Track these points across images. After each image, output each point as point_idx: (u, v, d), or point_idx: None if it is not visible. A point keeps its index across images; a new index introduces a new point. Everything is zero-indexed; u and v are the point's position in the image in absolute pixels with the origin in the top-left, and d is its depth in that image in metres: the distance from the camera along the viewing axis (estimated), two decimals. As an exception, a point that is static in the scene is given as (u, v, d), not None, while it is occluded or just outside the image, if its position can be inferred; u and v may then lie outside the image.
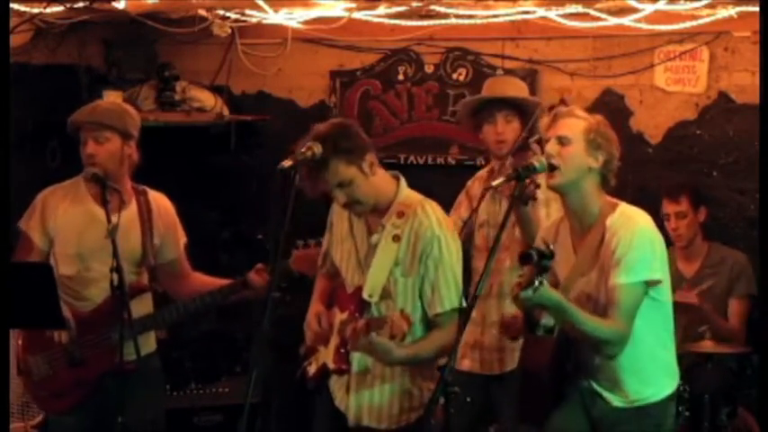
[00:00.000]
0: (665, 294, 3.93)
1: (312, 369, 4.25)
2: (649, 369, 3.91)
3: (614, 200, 3.94)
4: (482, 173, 5.11)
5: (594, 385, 3.93)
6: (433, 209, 4.09)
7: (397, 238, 4.03)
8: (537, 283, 3.54)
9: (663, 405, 3.95)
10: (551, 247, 3.59)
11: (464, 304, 4.01)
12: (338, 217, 4.22)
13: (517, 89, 5.05)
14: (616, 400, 3.92)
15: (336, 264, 4.24)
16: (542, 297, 3.61)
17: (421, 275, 4.02)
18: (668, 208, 5.71)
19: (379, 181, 4.05)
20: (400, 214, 4.05)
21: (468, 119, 5.04)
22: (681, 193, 5.72)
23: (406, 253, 4.03)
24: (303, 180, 3.88)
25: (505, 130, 4.84)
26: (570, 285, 3.85)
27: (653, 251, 3.84)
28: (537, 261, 3.53)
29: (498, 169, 4.84)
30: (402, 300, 4.04)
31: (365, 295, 4.05)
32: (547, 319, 3.88)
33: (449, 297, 4.01)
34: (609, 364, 3.87)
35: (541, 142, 4.05)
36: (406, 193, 4.11)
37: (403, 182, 4.14)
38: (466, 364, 4.87)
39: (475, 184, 5.07)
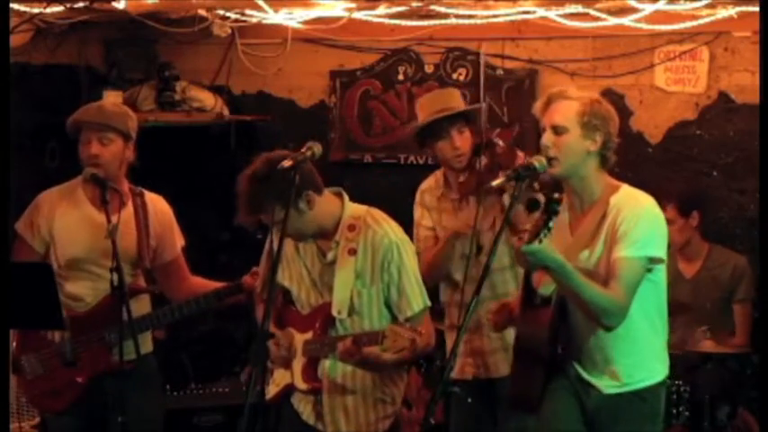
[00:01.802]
0: (663, 278, 3.90)
1: (270, 391, 4.26)
2: (641, 352, 3.87)
3: (617, 182, 3.91)
4: (428, 184, 5.00)
5: (584, 373, 3.89)
6: (382, 217, 4.16)
7: (352, 252, 4.07)
8: (543, 233, 3.47)
9: (655, 390, 3.91)
10: (561, 191, 3.53)
11: (428, 302, 4.13)
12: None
13: (458, 99, 4.97)
14: (609, 387, 3.87)
15: (286, 286, 4.24)
16: (545, 253, 3.57)
17: (386, 283, 4.08)
18: None
19: (318, 212, 4.05)
20: (351, 228, 4.09)
21: (415, 140, 4.95)
22: (668, 202, 5.69)
23: (364, 264, 4.07)
24: (243, 216, 4.00)
25: (462, 142, 4.78)
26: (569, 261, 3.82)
27: (657, 229, 3.83)
28: (545, 206, 3.45)
29: (462, 178, 4.79)
30: (367, 310, 4.10)
31: (334, 312, 4.07)
32: (544, 288, 3.86)
33: (416, 298, 4.10)
34: (601, 344, 3.84)
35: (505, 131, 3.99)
36: (352, 208, 4.14)
37: (346, 197, 4.16)
38: (469, 371, 4.86)
39: (425, 197, 4.98)
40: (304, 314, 4.20)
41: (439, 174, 4.98)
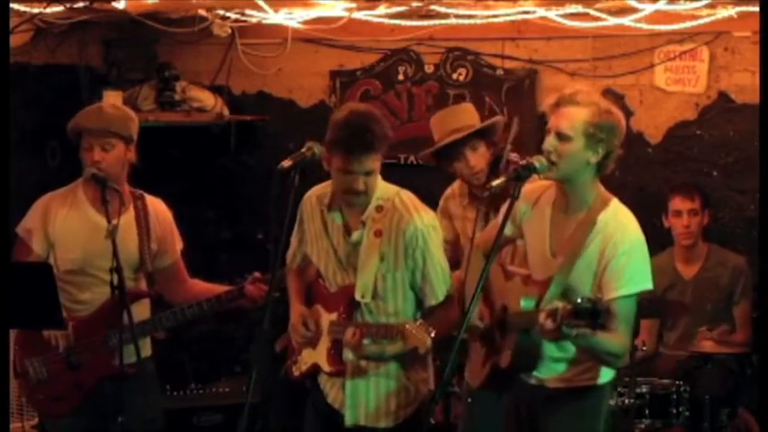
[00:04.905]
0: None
1: (297, 370, 4.27)
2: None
3: (607, 193, 3.88)
4: (453, 191, 5.01)
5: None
6: (410, 199, 4.10)
7: (378, 233, 4.03)
8: (584, 330, 3.45)
9: (598, 391, 3.91)
10: (604, 302, 3.48)
11: (452, 291, 4.09)
12: (309, 215, 4.20)
13: (471, 114, 4.93)
14: (549, 382, 3.89)
15: (314, 262, 4.24)
16: (579, 341, 3.60)
17: (411, 269, 4.05)
18: (682, 204, 5.72)
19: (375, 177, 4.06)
20: (379, 209, 4.06)
21: (432, 162, 4.94)
22: (695, 191, 5.76)
23: (389, 247, 4.03)
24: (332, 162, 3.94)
25: (477, 160, 4.75)
26: (563, 279, 3.81)
27: (645, 258, 3.81)
28: (590, 317, 3.41)
29: (486, 195, 4.74)
30: (392, 295, 4.07)
31: (358, 296, 4.05)
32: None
33: (441, 287, 4.07)
34: (552, 346, 3.84)
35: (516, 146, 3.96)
36: (383, 187, 4.10)
37: (379, 176, 4.11)
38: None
39: (449, 204, 4.98)
40: (332, 291, 4.17)
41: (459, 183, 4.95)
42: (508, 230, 3.97)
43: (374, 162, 3.96)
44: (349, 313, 4.09)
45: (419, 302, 4.10)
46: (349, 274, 4.10)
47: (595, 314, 3.40)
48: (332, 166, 4.00)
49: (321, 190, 4.18)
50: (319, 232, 4.17)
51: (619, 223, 3.80)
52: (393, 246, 4.03)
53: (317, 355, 4.18)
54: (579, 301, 3.43)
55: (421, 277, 4.05)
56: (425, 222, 4.05)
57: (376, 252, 4.03)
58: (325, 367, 4.15)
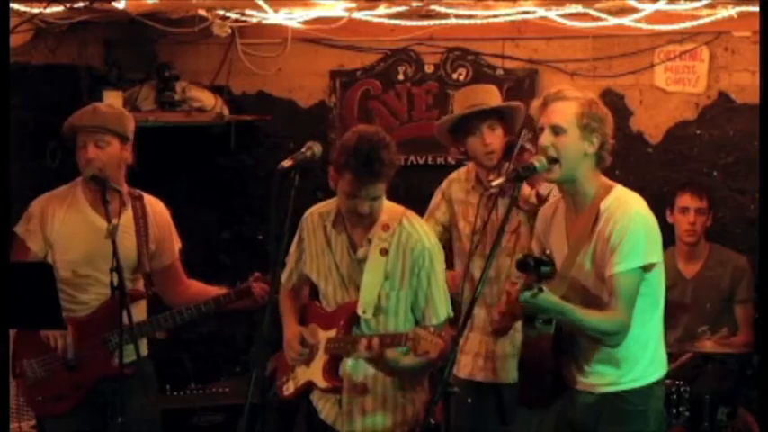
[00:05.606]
0: (657, 277, 3.89)
1: (290, 388, 4.26)
2: (632, 354, 3.86)
3: (609, 182, 3.91)
4: (458, 175, 4.99)
5: (576, 375, 3.91)
6: (417, 221, 4.15)
7: (384, 252, 4.05)
8: (536, 289, 3.53)
9: (645, 392, 3.90)
10: (548, 252, 3.56)
11: (452, 312, 4.12)
12: (311, 231, 4.20)
13: (495, 96, 4.92)
14: (595, 387, 3.90)
15: (314, 280, 4.24)
16: (541, 302, 3.60)
17: (414, 288, 4.07)
18: (690, 201, 5.73)
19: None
20: (385, 227, 4.07)
21: (446, 135, 4.92)
22: (703, 191, 5.76)
23: (395, 266, 4.06)
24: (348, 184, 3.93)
25: (493, 140, 4.72)
26: (565, 271, 3.83)
27: (647, 235, 3.81)
28: (534, 268, 3.50)
29: (492, 177, 4.73)
30: (394, 312, 4.08)
31: (359, 311, 4.05)
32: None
33: (443, 307, 4.10)
34: (591, 348, 3.86)
35: (536, 133, 3.99)
36: (388, 206, 4.12)
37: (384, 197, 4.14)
38: (480, 374, 4.84)
39: (453, 187, 4.96)
40: (329, 311, 4.18)
41: (471, 167, 4.93)
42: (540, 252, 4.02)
43: (381, 188, 3.98)
44: (348, 329, 4.10)
45: (416, 323, 4.10)
46: (350, 292, 4.12)
47: (535, 265, 3.47)
48: (338, 188, 4.03)
49: (323, 208, 4.21)
50: (321, 248, 4.18)
51: (620, 203, 3.84)
52: (400, 264, 4.06)
53: (311, 373, 4.18)
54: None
55: (424, 298, 4.08)
56: (432, 242, 4.10)
57: (381, 270, 4.05)
58: (321, 383, 4.14)
